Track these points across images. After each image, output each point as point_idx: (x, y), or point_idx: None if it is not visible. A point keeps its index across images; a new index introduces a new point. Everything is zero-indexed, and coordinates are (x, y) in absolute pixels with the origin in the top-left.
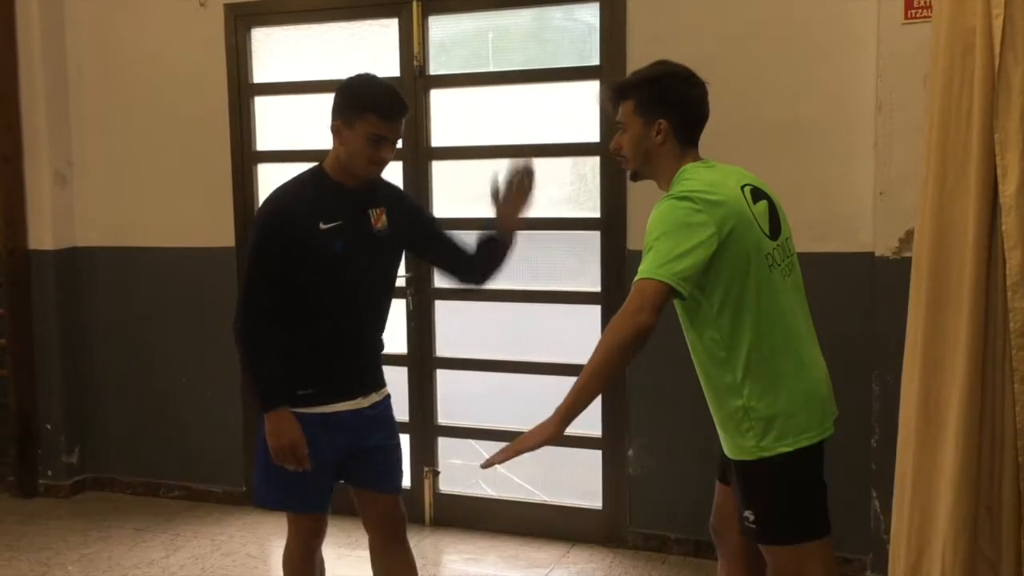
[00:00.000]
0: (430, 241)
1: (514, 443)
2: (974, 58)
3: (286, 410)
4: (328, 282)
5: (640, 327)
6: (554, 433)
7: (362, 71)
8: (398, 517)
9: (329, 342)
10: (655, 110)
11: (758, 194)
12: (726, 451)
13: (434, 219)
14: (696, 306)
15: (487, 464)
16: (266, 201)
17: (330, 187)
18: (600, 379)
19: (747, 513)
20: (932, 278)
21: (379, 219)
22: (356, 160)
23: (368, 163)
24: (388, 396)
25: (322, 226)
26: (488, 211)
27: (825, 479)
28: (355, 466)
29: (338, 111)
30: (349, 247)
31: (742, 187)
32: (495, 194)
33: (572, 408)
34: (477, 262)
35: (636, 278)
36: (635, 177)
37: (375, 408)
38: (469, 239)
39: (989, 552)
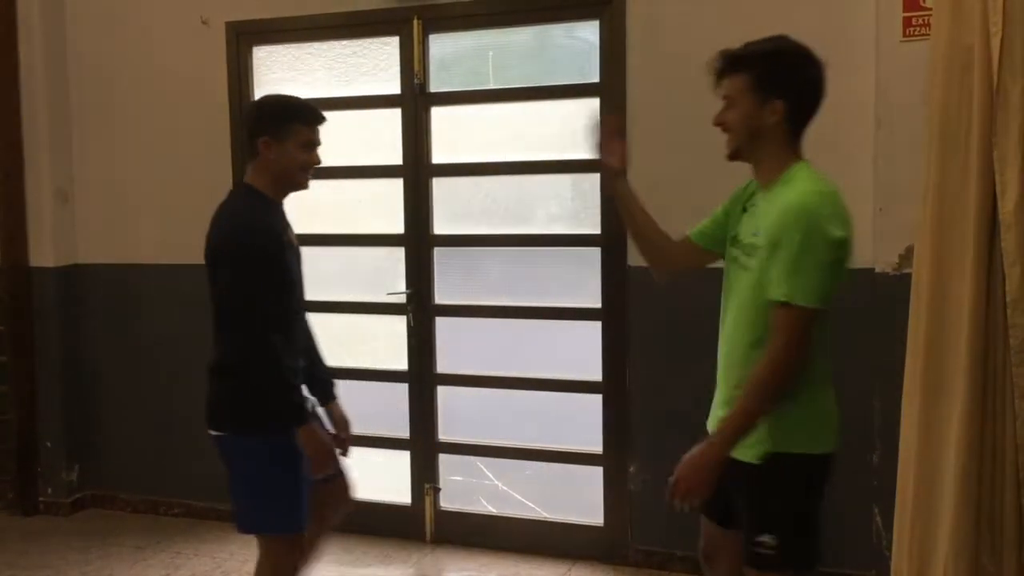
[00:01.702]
0: None
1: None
2: (972, 76)
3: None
4: (292, 293)
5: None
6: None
7: (271, 93)
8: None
9: (296, 354)
10: (773, 89)
11: None
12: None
13: None
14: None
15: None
16: (238, 223)
17: (270, 203)
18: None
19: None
20: (932, 294)
21: (292, 233)
22: (291, 170)
23: (303, 170)
24: None
25: (284, 239)
26: (485, 228)
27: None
28: None
29: (263, 128)
30: (292, 259)
31: None
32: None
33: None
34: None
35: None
36: (734, 156)
37: None
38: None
39: (991, 567)
